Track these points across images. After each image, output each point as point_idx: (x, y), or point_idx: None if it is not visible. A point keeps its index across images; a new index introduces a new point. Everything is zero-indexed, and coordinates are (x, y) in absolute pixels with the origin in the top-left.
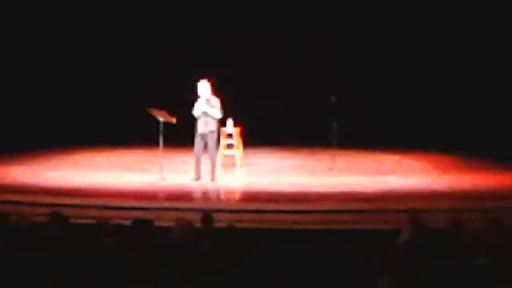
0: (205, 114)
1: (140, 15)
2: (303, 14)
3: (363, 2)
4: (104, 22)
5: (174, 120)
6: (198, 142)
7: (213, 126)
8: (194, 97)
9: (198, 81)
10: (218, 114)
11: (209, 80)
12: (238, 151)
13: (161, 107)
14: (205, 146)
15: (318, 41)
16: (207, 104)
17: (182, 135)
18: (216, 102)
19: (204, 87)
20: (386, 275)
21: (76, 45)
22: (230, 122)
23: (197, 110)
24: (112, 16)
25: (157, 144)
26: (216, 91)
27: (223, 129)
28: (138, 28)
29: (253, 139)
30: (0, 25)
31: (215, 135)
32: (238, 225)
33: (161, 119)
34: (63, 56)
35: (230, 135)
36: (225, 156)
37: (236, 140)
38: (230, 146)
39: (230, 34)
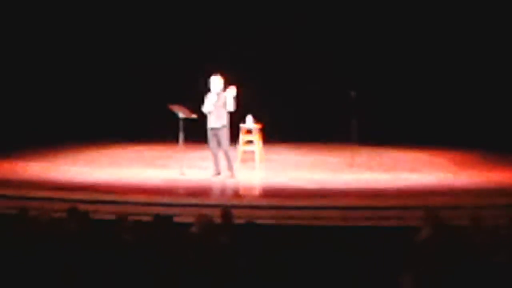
0: (218, 108)
1: (163, 11)
2: (322, 9)
3: None
4: (128, 17)
5: (194, 115)
6: (211, 137)
7: (225, 120)
8: (205, 92)
9: (210, 76)
10: (232, 107)
11: (221, 75)
12: (257, 147)
13: (182, 103)
14: (218, 141)
15: (338, 37)
16: (217, 98)
17: (202, 131)
18: (227, 96)
19: (216, 81)
20: (407, 272)
21: (98, 41)
22: (249, 118)
23: (208, 105)
24: (135, 11)
25: (177, 140)
26: (228, 86)
27: (242, 125)
28: (161, 24)
29: (273, 135)
30: (24, 20)
31: (227, 129)
32: (258, 221)
33: (182, 115)
34: (85, 52)
35: (249, 131)
36: (245, 152)
37: (256, 137)
38: (249, 142)
39: (250, 30)
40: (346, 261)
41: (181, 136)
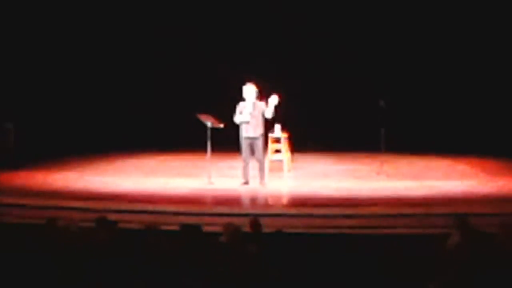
0: (255, 117)
1: (191, 22)
2: (350, 19)
3: (412, 7)
4: (158, 28)
5: (222, 125)
6: (246, 146)
7: (261, 129)
8: (237, 101)
9: (243, 85)
10: (271, 114)
11: (255, 84)
12: (286, 156)
13: (209, 112)
14: (252, 150)
15: (367, 45)
16: (253, 107)
17: (229, 140)
18: (263, 105)
19: (250, 90)
20: (436, 280)
21: (127, 52)
22: (278, 127)
23: (245, 115)
24: (165, 20)
25: (205, 149)
26: (261, 95)
27: (271, 134)
28: (190, 35)
29: (301, 144)
30: (48, 32)
31: (263, 138)
32: (286, 230)
33: (209, 124)
34: (115, 61)
35: (277, 141)
36: (273, 161)
37: (284, 145)
38: (277, 151)
39: (277, 39)
40: (374, 270)
41: (209, 145)
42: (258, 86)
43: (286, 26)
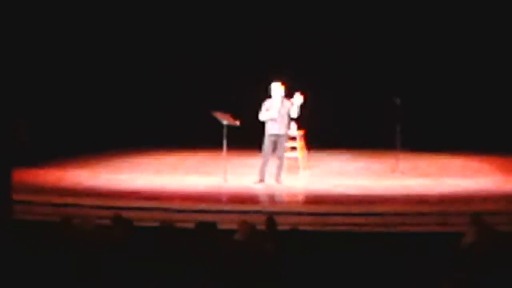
0: (281, 115)
1: (207, 18)
2: (367, 15)
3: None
4: (171, 24)
5: (237, 123)
6: (269, 143)
7: (287, 127)
8: (262, 99)
9: (270, 83)
10: (296, 113)
11: (282, 83)
12: (301, 153)
13: (225, 110)
14: (275, 147)
15: (383, 42)
16: (282, 104)
17: (245, 138)
18: (289, 104)
19: (278, 88)
20: (451, 278)
21: (141, 47)
22: (293, 125)
23: (273, 112)
24: (180, 15)
25: (221, 147)
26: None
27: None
28: (205, 32)
29: (317, 141)
30: (63, 27)
31: (287, 137)
32: (302, 227)
33: (225, 122)
34: (129, 57)
35: (293, 138)
36: (288, 158)
37: (299, 143)
38: (293, 149)
39: (293, 36)
40: (390, 268)
41: (224, 142)
42: (284, 84)
43: (302, 23)
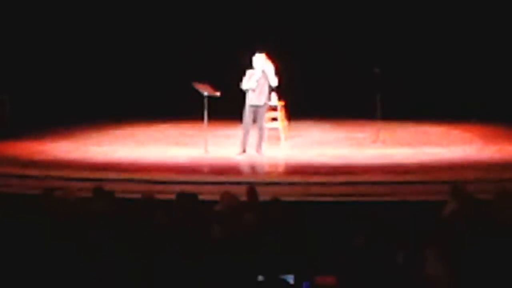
0: (261, 85)
1: None
2: None
3: None
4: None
5: (218, 93)
6: (248, 114)
7: (266, 98)
8: (244, 70)
9: (253, 53)
10: (275, 82)
11: (266, 54)
12: (282, 124)
13: (205, 80)
14: (254, 118)
15: (362, 11)
16: (263, 75)
17: (225, 109)
18: (271, 69)
19: (260, 59)
20: (433, 247)
21: (121, 17)
22: (274, 95)
23: (252, 82)
24: None
25: (202, 118)
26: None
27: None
28: (187, 2)
29: (297, 112)
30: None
31: (267, 107)
32: (283, 198)
33: (205, 93)
34: (110, 29)
35: (274, 109)
36: (269, 129)
37: (280, 113)
38: (274, 119)
39: (275, 5)
40: (371, 237)
41: (205, 114)
42: (268, 56)
43: None
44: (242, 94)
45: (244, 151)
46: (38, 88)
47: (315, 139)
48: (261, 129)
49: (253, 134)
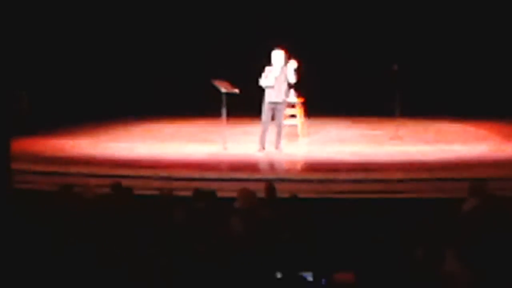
0: (279, 82)
1: None
2: None
3: None
4: None
5: (236, 90)
6: (267, 111)
7: (284, 95)
8: (263, 67)
9: (271, 50)
10: (294, 79)
11: (284, 50)
12: (300, 121)
13: (224, 77)
14: (273, 115)
15: (381, 8)
16: (281, 72)
17: (244, 106)
18: (289, 69)
19: (278, 55)
20: (452, 245)
21: (140, 17)
22: (292, 92)
23: (271, 79)
24: None
25: (220, 115)
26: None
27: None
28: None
29: (316, 109)
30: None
31: (286, 104)
32: (301, 195)
33: (224, 90)
34: (127, 28)
35: (292, 105)
36: (288, 126)
37: (299, 110)
38: (292, 116)
39: (294, 2)
40: (389, 234)
41: (223, 110)
42: (286, 52)
43: None
44: (261, 91)
45: (263, 147)
46: (57, 84)
47: (334, 136)
48: (279, 125)
49: (272, 131)
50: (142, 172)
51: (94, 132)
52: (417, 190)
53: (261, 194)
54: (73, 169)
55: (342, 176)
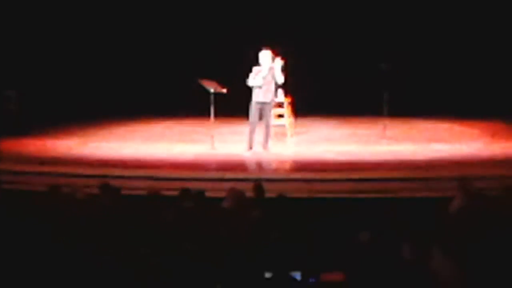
0: (267, 82)
1: None
2: None
3: None
4: None
5: (224, 90)
6: (255, 111)
7: (272, 95)
8: (251, 67)
9: (259, 50)
10: (281, 79)
11: (271, 50)
12: (288, 120)
13: (212, 77)
14: (261, 115)
15: (369, 7)
16: (269, 72)
17: (232, 106)
18: (279, 65)
19: (266, 55)
20: (439, 243)
21: (130, 16)
22: (280, 91)
23: (258, 79)
24: None
25: (208, 115)
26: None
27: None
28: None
29: (304, 108)
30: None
31: (273, 104)
32: (289, 194)
33: (212, 90)
34: (115, 28)
35: (280, 105)
36: (276, 126)
37: (287, 110)
38: (280, 116)
39: (282, 2)
40: (378, 233)
41: (212, 110)
42: (274, 52)
43: None
44: (249, 90)
45: (251, 147)
46: (44, 84)
47: (322, 136)
48: (267, 126)
49: (260, 131)
50: (130, 172)
51: (82, 132)
52: (405, 189)
53: (250, 194)
54: (61, 169)
55: (330, 175)
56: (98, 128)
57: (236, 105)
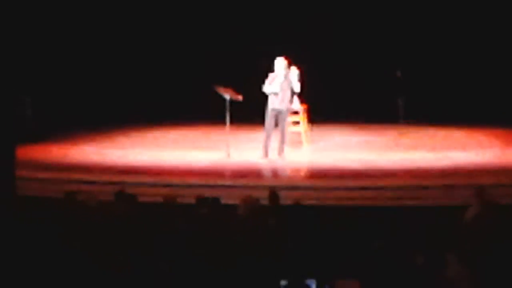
0: (284, 89)
1: None
2: None
3: None
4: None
5: (240, 97)
6: (271, 118)
7: (289, 102)
8: (266, 74)
9: (274, 58)
10: (298, 87)
11: (285, 58)
12: (304, 128)
13: (228, 84)
14: (276, 122)
15: (384, 15)
16: (286, 80)
17: (248, 113)
18: (295, 74)
19: (281, 63)
20: (454, 251)
21: (144, 23)
22: (296, 99)
23: (275, 86)
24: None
25: (224, 122)
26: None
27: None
28: (209, 5)
29: (319, 116)
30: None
31: (289, 111)
32: (304, 202)
33: (227, 97)
34: (131, 35)
35: (296, 113)
36: (291, 133)
37: (302, 117)
38: (296, 123)
39: (297, 10)
40: (393, 241)
41: (227, 117)
42: (288, 59)
43: None
44: (265, 97)
45: (266, 155)
46: (61, 90)
47: (337, 143)
48: (283, 133)
49: (275, 138)
50: (146, 179)
51: (98, 139)
52: (420, 197)
53: (265, 201)
54: (77, 176)
55: (346, 183)
56: (114, 135)
57: (251, 112)
